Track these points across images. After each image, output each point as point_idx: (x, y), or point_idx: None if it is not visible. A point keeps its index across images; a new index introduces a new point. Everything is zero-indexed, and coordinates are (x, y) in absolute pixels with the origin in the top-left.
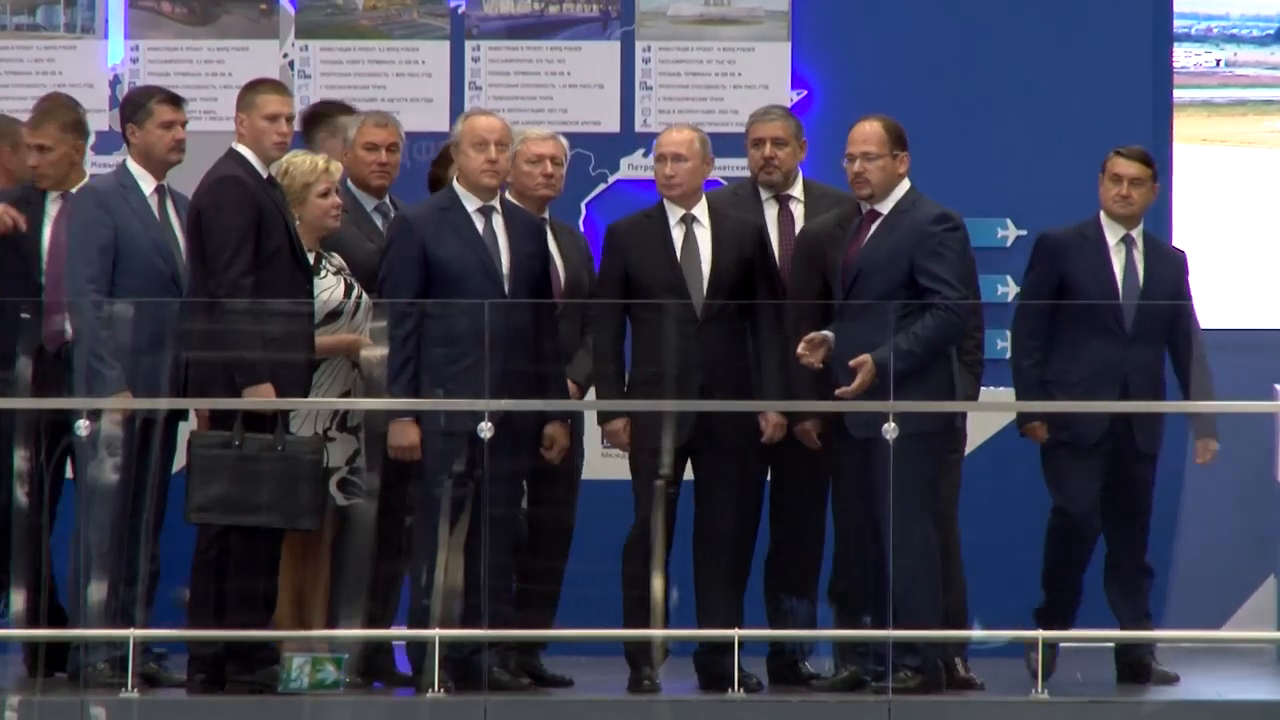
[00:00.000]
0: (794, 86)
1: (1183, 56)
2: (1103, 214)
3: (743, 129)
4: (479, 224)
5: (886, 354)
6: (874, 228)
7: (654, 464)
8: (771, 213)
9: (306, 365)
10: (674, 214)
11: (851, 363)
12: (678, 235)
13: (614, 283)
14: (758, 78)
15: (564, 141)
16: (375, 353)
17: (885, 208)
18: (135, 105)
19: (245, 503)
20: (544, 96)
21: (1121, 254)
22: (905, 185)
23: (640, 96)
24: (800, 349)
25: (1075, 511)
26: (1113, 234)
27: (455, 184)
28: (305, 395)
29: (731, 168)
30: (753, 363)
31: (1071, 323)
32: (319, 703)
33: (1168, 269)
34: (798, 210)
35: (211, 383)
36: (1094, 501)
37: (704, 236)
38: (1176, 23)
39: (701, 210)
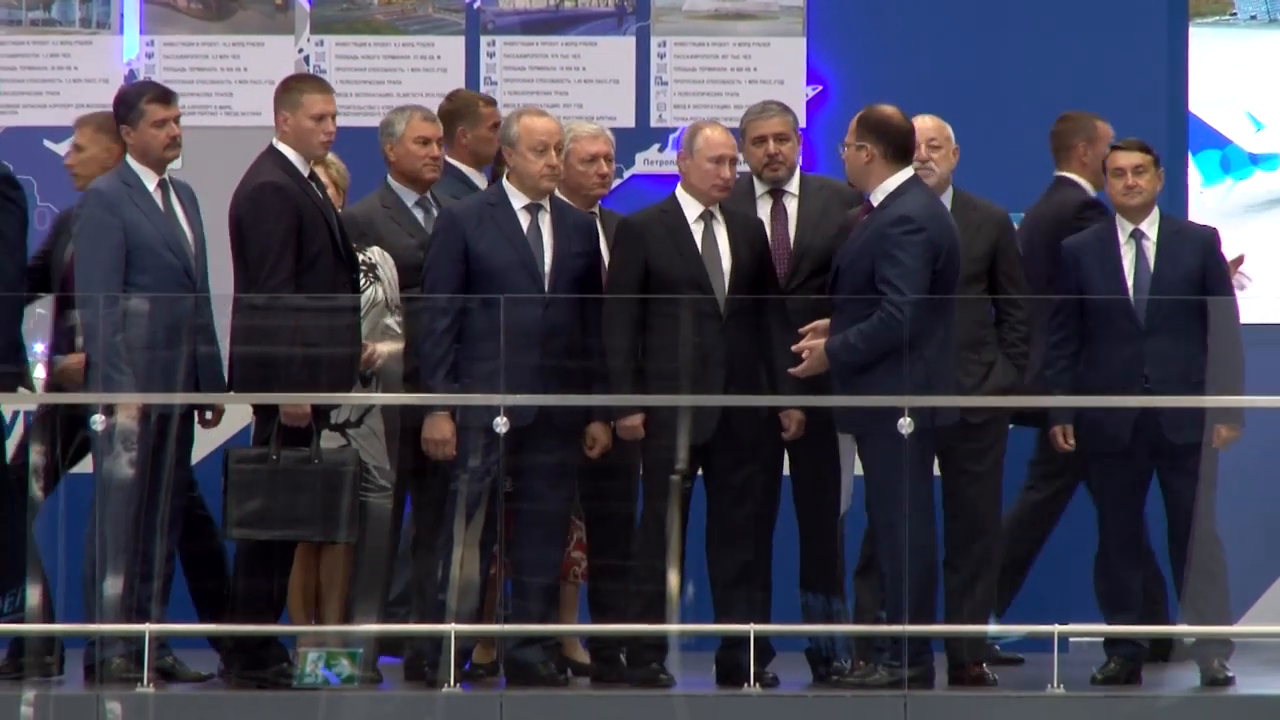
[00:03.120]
0: (809, 82)
1: None
2: (1117, 214)
3: None
4: (524, 221)
5: (837, 345)
6: (864, 220)
7: (669, 459)
8: (765, 207)
9: (351, 362)
10: (692, 210)
11: (795, 347)
12: (697, 231)
13: (632, 277)
14: (773, 73)
15: (611, 136)
16: (390, 348)
17: (876, 200)
18: (127, 106)
19: (284, 517)
20: (559, 92)
21: (1131, 250)
22: (900, 178)
23: (655, 92)
24: (801, 344)
25: (1121, 516)
26: (1123, 231)
27: (505, 181)
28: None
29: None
30: (771, 360)
31: (1089, 328)
32: (334, 698)
33: (1188, 250)
34: (791, 205)
35: (252, 384)
36: (1137, 503)
37: (721, 233)
38: None
39: (715, 206)
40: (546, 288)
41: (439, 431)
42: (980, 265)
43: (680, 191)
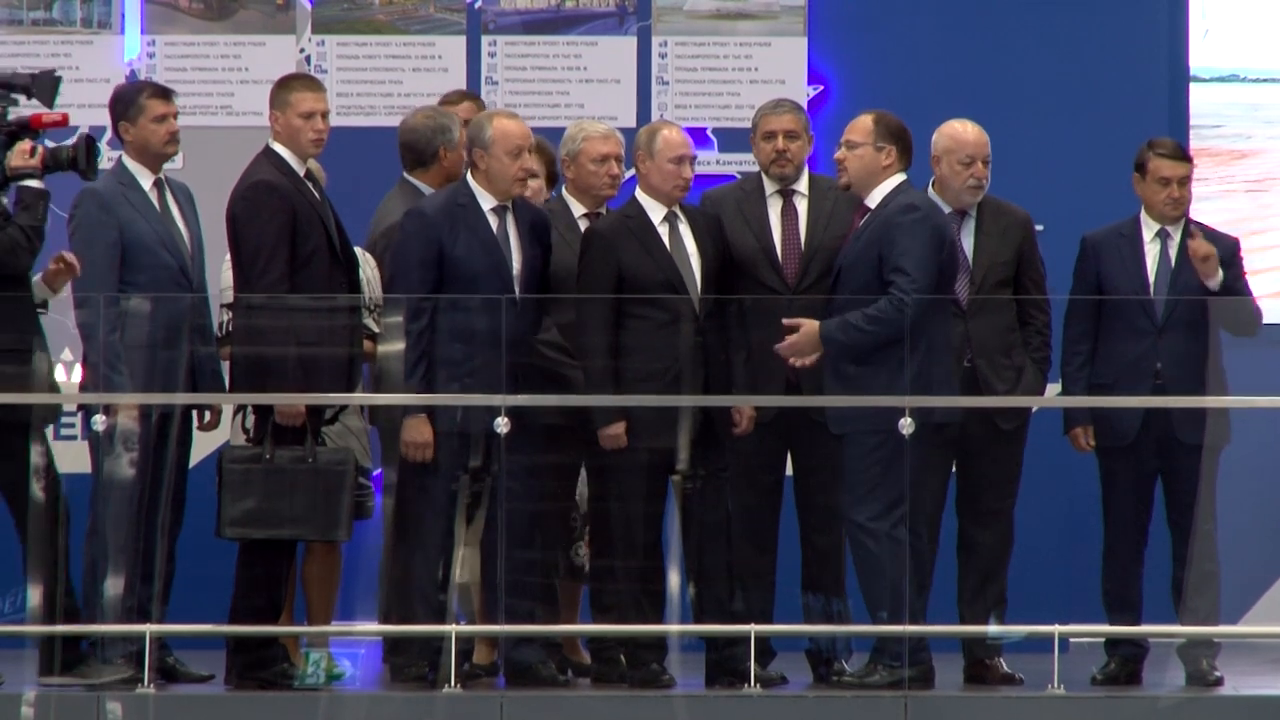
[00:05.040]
0: (810, 82)
1: None
2: (1143, 211)
3: None
4: (494, 224)
5: (833, 327)
6: (860, 224)
7: (656, 461)
8: (775, 207)
9: (348, 361)
10: (656, 212)
11: (788, 321)
12: (664, 233)
13: (605, 283)
14: (774, 73)
15: (621, 137)
16: (391, 347)
17: (873, 202)
18: (126, 102)
19: (277, 516)
20: (560, 91)
21: (1156, 248)
22: (896, 180)
23: (657, 91)
24: (782, 344)
25: (1124, 511)
26: (1149, 229)
27: (471, 180)
28: (350, 390)
29: (748, 162)
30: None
31: (1106, 323)
32: (334, 698)
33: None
34: (801, 205)
35: (249, 383)
36: (1141, 499)
37: (687, 232)
38: None
39: (676, 206)
40: (518, 290)
41: (420, 434)
42: (1009, 270)
43: (640, 194)
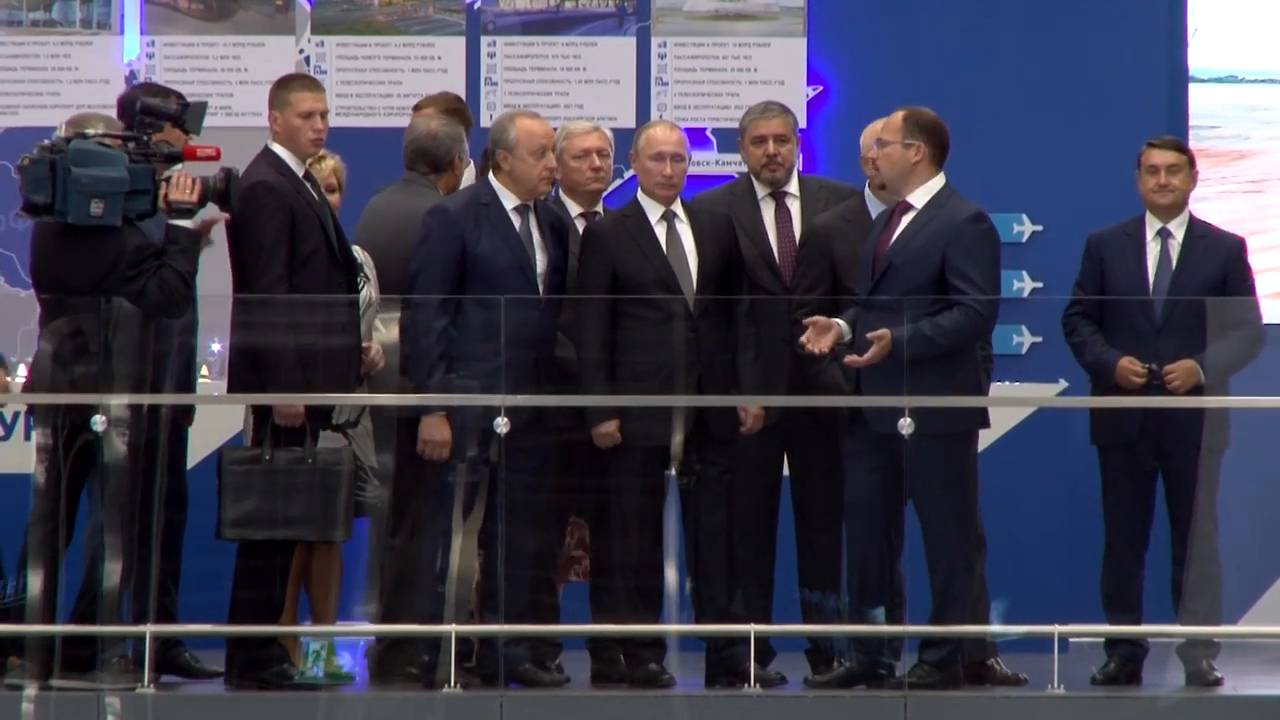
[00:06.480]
0: (810, 82)
1: None
2: (1147, 210)
3: None
4: (516, 222)
5: (909, 336)
6: (906, 221)
7: (651, 458)
8: (769, 210)
9: (349, 362)
10: (654, 212)
11: (870, 334)
12: (661, 232)
13: (601, 283)
14: (773, 73)
15: (608, 133)
16: (387, 338)
17: (919, 201)
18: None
19: (277, 516)
20: (560, 92)
21: (1157, 247)
22: (939, 181)
23: (656, 92)
24: (805, 335)
25: (1124, 511)
26: (1151, 228)
27: (494, 180)
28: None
29: None
30: (737, 355)
31: (1108, 323)
32: (333, 698)
33: (1213, 256)
34: (794, 207)
35: (249, 384)
36: (1140, 499)
37: (686, 232)
38: None
39: (678, 206)
40: (541, 290)
41: (439, 433)
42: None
43: (640, 194)
